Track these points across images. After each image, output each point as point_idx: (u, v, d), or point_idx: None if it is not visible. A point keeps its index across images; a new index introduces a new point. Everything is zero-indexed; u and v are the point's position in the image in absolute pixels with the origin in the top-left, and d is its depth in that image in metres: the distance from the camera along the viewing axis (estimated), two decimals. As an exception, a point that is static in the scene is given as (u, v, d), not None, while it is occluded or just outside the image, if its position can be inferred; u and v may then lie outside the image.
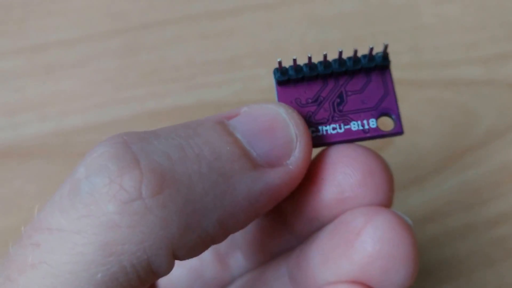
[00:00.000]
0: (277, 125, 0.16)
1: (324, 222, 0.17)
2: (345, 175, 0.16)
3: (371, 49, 0.16)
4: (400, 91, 0.29)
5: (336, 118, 0.17)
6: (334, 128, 0.17)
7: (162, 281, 0.21)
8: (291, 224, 0.19)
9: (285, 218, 0.19)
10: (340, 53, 0.17)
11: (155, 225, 0.13)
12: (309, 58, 0.17)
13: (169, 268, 0.14)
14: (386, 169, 0.16)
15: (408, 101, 0.29)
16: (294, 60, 0.17)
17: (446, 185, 0.28)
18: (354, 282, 0.16)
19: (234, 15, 0.30)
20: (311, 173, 0.17)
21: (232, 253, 0.20)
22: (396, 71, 0.29)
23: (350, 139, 0.17)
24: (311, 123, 0.17)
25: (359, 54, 0.17)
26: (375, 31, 0.30)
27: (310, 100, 0.17)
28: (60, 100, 0.29)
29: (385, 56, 0.17)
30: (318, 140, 0.17)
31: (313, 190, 0.17)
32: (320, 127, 0.17)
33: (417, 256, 0.15)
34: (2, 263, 0.14)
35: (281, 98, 0.17)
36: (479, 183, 0.28)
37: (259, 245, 0.20)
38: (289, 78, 0.17)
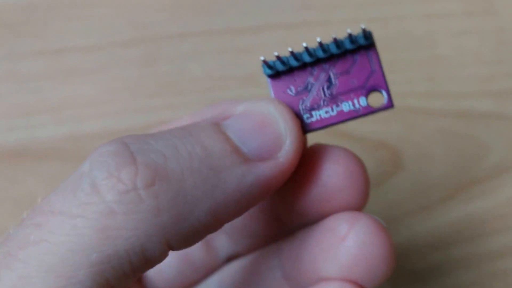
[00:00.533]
0: (266, 121, 0.17)
1: (311, 217, 0.19)
2: (329, 178, 0.18)
3: (350, 34, 0.17)
4: (413, 119, 0.29)
5: (328, 102, 0.18)
6: (327, 112, 0.18)
7: (152, 271, 0.21)
8: (281, 217, 0.20)
9: (274, 211, 0.20)
10: (320, 42, 0.17)
11: (147, 213, 0.15)
12: (291, 52, 0.17)
13: (161, 257, 0.15)
14: (365, 171, 0.18)
15: (420, 130, 0.29)
16: (277, 56, 0.17)
17: (452, 215, 0.29)
18: (343, 279, 0.18)
19: (254, 33, 0.31)
20: (299, 174, 0.18)
21: (218, 237, 0.22)
22: (411, 99, 0.30)
23: (343, 120, 0.18)
24: (305, 110, 0.18)
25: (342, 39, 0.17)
26: (393, 59, 0.30)
27: (301, 88, 0.18)
28: (77, 105, 0.30)
29: (366, 36, 0.17)
30: (313, 125, 0.18)
31: (301, 190, 0.18)
32: (313, 113, 0.18)
33: (394, 252, 0.18)
34: (1, 242, 0.15)
35: (275, 91, 0.18)
36: (485, 215, 0.28)
37: (247, 231, 0.21)
38: (277, 71, 0.18)
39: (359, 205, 0.18)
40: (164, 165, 0.15)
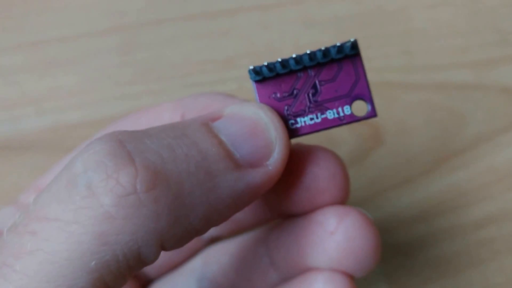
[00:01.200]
0: (258, 128, 0.17)
1: (296, 212, 0.19)
2: (312, 181, 0.18)
3: (339, 46, 0.17)
4: (391, 94, 0.30)
5: (313, 109, 0.18)
6: (311, 119, 0.18)
7: None
8: (265, 210, 0.21)
9: (259, 205, 0.21)
10: (309, 53, 0.18)
11: (147, 217, 0.14)
12: (280, 61, 0.18)
13: (155, 258, 0.15)
14: (345, 171, 0.19)
15: (399, 104, 0.30)
16: (266, 66, 0.18)
17: (434, 187, 0.29)
18: (333, 270, 0.18)
19: (230, 16, 0.31)
20: (283, 176, 0.18)
21: None
22: (388, 74, 0.30)
23: (328, 127, 0.18)
24: (290, 116, 0.18)
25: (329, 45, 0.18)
26: (368, 34, 0.30)
27: (286, 94, 0.18)
28: (58, 96, 0.30)
29: (353, 46, 0.17)
30: (298, 132, 0.18)
31: (285, 191, 0.19)
32: (298, 119, 0.18)
33: (380, 243, 0.19)
34: None
35: (260, 95, 0.18)
36: (467, 185, 0.29)
37: None
38: (264, 77, 0.18)
39: (342, 202, 0.19)
40: (163, 167, 0.15)
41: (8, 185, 0.28)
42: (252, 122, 0.17)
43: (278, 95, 0.18)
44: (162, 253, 0.15)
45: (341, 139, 0.29)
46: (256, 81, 0.18)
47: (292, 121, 0.18)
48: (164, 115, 0.21)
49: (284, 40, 0.30)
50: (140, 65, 0.30)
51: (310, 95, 0.18)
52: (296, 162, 0.19)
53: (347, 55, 0.18)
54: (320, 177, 0.18)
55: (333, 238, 0.18)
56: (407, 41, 0.30)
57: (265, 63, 0.17)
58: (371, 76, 0.29)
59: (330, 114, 0.18)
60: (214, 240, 0.23)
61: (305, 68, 0.18)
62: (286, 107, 0.18)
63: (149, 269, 0.23)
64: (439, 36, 0.30)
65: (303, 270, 0.19)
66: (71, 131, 0.29)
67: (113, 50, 0.30)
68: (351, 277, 0.19)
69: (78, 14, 0.31)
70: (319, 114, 0.18)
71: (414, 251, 0.28)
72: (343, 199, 0.19)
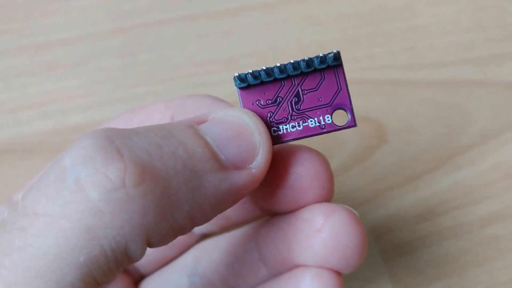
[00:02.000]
0: (243, 132, 0.17)
1: (282, 210, 0.20)
2: (295, 181, 0.19)
3: (321, 56, 0.18)
4: (396, 92, 0.29)
5: (295, 117, 0.18)
6: (293, 127, 0.18)
7: None
8: (254, 207, 0.21)
9: (246, 198, 0.21)
10: (293, 63, 0.18)
11: (135, 212, 0.15)
12: (265, 69, 0.18)
13: (141, 254, 0.15)
14: (329, 170, 0.19)
15: (403, 101, 0.29)
16: (251, 73, 0.18)
17: (440, 185, 0.29)
18: (320, 267, 0.19)
19: (233, 15, 0.31)
20: (268, 176, 0.18)
21: None
22: (393, 71, 0.30)
23: (309, 135, 0.18)
24: (273, 123, 0.18)
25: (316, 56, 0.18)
26: (372, 32, 0.30)
27: (270, 101, 0.18)
28: (62, 98, 0.30)
29: (335, 57, 0.18)
30: (280, 138, 0.18)
31: (270, 190, 0.19)
32: (281, 126, 0.18)
33: (366, 240, 0.19)
34: None
35: (244, 102, 0.18)
36: (472, 183, 0.28)
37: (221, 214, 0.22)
38: (248, 84, 0.18)
39: (326, 201, 0.19)
40: (151, 163, 0.15)
41: (13, 189, 0.28)
42: (238, 126, 0.17)
43: (262, 102, 0.18)
44: (155, 249, 0.15)
45: (345, 138, 0.29)
46: (241, 88, 0.18)
47: (275, 128, 0.18)
48: (154, 116, 0.21)
49: (288, 39, 0.30)
50: (143, 66, 0.30)
51: (293, 103, 0.18)
52: (281, 161, 0.19)
53: (329, 66, 0.18)
54: (303, 177, 0.19)
55: (320, 236, 0.18)
56: (411, 38, 0.30)
57: (250, 71, 0.18)
58: (375, 74, 0.29)
59: (311, 123, 0.18)
60: (205, 236, 0.23)
61: (289, 77, 0.18)
62: (269, 114, 0.18)
63: (141, 265, 0.23)
64: (443, 33, 0.30)
65: (291, 267, 0.20)
66: (75, 134, 0.29)
67: (116, 52, 0.30)
68: (338, 273, 0.19)
69: (81, 16, 0.31)
70: (300, 122, 0.18)
71: (419, 250, 0.28)
72: (327, 198, 0.19)
